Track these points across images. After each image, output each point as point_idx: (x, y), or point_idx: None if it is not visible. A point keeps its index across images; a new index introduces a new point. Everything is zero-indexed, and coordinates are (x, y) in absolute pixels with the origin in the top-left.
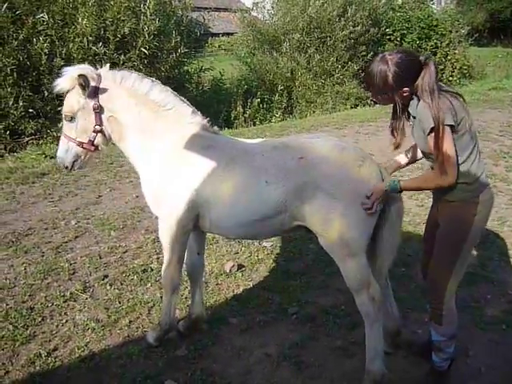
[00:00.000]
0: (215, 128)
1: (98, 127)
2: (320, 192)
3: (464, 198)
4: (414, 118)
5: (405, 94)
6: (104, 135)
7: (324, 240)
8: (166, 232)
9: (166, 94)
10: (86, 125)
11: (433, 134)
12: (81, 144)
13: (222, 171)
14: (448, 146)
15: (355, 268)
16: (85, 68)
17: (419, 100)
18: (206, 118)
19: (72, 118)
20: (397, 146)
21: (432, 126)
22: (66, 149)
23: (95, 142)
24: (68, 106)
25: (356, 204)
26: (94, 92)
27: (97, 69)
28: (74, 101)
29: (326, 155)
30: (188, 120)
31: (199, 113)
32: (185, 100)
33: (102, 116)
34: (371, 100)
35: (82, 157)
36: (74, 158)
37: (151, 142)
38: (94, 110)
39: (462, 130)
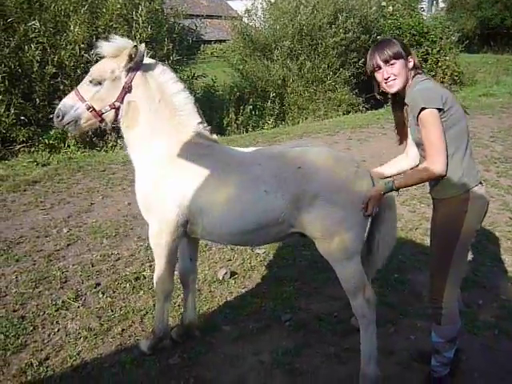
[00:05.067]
0: (214, 136)
1: (117, 103)
2: (319, 201)
3: (454, 195)
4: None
5: (411, 64)
6: (116, 114)
7: (323, 245)
8: (156, 238)
9: (187, 101)
10: (107, 96)
11: (420, 117)
12: (91, 108)
13: (216, 180)
14: (435, 131)
15: (352, 270)
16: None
17: (415, 87)
18: (209, 126)
19: (98, 83)
20: (401, 142)
21: (422, 106)
22: (72, 105)
23: (104, 115)
24: (100, 70)
25: (352, 209)
26: (134, 70)
27: None
28: (110, 68)
29: (323, 164)
30: (192, 128)
31: (205, 123)
32: (198, 109)
33: (126, 96)
34: (363, 106)
35: (83, 121)
36: (75, 119)
37: (154, 142)
38: (124, 87)
39: (454, 118)
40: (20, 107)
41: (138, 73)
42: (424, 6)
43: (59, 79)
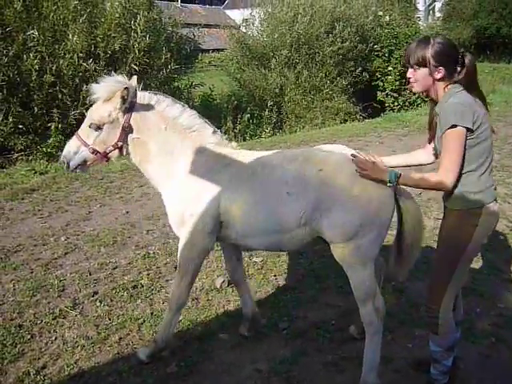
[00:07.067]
0: (233, 144)
1: (119, 143)
2: (336, 205)
3: (467, 207)
4: (438, 115)
5: (438, 75)
6: (120, 151)
7: (337, 250)
8: (187, 252)
9: (193, 117)
10: (108, 138)
11: (447, 132)
12: (95, 152)
13: (243, 186)
14: (457, 149)
15: (365, 277)
16: (126, 81)
17: (449, 98)
18: (225, 134)
19: (98, 128)
20: (430, 141)
21: (453, 123)
22: (75, 151)
23: (109, 155)
24: (98, 116)
25: (370, 215)
26: (130, 109)
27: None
28: (106, 112)
29: (343, 167)
30: (208, 140)
31: (219, 132)
32: (207, 121)
33: (128, 135)
34: (360, 115)
35: (89, 163)
36: (81, 162)
37: (176, 165)
38: (123, 128)
39: (481, 137)
40: (18, 116)
41: (135, 110)
42: (420, 16)
43: (57, 88)
